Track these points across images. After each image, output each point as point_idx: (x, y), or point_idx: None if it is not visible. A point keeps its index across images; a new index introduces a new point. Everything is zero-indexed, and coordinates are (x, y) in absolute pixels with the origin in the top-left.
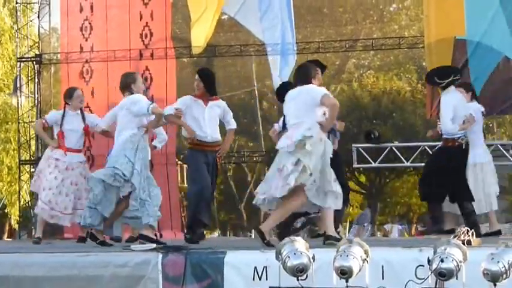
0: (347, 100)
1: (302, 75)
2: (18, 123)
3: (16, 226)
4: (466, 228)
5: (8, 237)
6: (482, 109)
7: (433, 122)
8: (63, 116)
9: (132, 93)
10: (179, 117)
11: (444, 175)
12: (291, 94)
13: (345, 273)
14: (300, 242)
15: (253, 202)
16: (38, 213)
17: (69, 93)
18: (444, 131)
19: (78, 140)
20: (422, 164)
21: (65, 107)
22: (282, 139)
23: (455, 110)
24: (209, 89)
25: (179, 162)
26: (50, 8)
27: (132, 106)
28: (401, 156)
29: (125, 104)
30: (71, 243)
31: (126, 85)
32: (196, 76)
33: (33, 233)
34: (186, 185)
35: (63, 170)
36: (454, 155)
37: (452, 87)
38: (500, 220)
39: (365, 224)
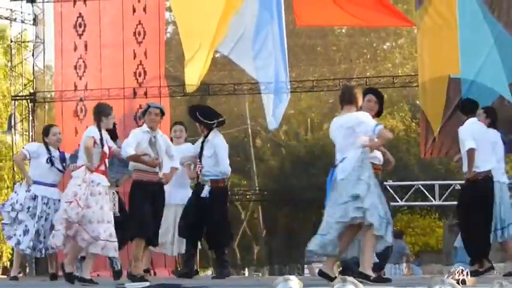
0: None
1: None
2: (13, 161)
3: (8, 263)
4: (461, 267)
5: (1, 274)
6: None
7: (428, 161)
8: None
9: None
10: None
11: None
12: None
13: None
14: (294, 281)
15: None
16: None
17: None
18: None
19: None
20: (416, 203)
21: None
22: None
23: None
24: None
25: None
26: (44, 46)
27: None
28: (395, 195)
29: None
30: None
31: None
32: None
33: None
34: None
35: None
36: None
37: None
38: (495, 259)
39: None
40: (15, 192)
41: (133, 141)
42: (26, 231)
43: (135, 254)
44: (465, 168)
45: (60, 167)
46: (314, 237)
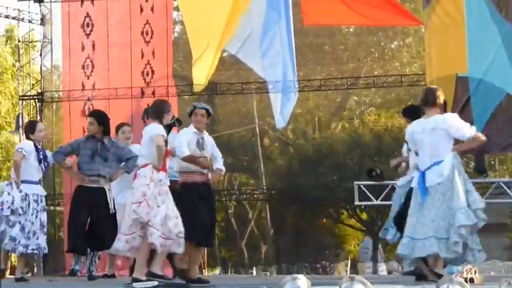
0: (348, 137)
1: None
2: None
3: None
4: (469, 266)
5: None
6: None
7: None
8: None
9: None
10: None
11: None
12: None
13: None
14: (302, 280)
15: None
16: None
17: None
18: None
19: None
20: None
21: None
22: None
23: None
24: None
25: None
26: (52, 46)
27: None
28: None
29: None
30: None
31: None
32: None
33: (36, 270)
34: None
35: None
36: None
37: None
38: (503, 258)
39: None
40: (8, 193)
41: (186, 142)
42: (21, 232)
43: (196, 257)
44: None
45: (44, 165)
46: (408, 241)
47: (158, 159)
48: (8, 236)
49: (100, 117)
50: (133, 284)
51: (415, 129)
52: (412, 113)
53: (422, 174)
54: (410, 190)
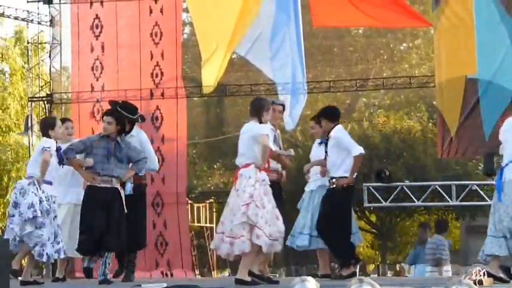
0: (357, 139)
1: None
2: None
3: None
4: (478, 268)
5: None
6: None
7: (444, 162)
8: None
9: None
10: None
11: None
12: None
13: None
14: (310, 282)
15: None
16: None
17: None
18: None
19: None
20: (433, 204)
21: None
22: None
23: None
24: None
25: (190, 201)
26: (61, 47)
27: None
28: (412, 196)
29: None
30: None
31: None
32: None
33: (44, 272)
34: (196, 223)
35: None
36: None
37: None
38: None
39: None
40: (34, 194)
41: (271, 138)
42: (50, 237)
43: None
44: (335, 174)
45: (62, 165)
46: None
47: (262, 159)
48: (35, 238)
49: (119, 118)
50: (142, 285)
51: (506, 127)
52: (328, 114)
53: (501, 170)
54: (326, 194)
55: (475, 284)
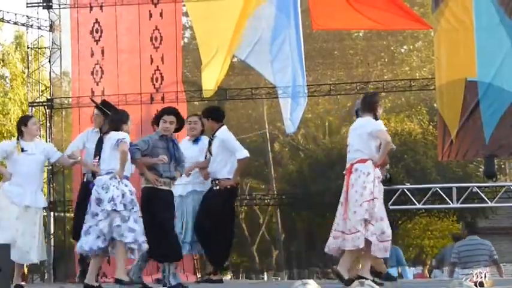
0: None
1: None
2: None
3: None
4: (479, 270)
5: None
6: None
7: (445, 164)
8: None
9: None
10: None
11: None
12: None
13: None
14: (312, 285)
15: None
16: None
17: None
18: None
19: None
20: (434, 206)
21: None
22: None
23: None
24: None
25: None
26: (61, 52)
27: None
28: (413, 198)
29: None
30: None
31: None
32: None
33: (46, 277)
34: None
35: None
36: None
37: None
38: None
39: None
40: (116, 188)
41: None
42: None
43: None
44: (219, 175)
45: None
46: None
47: (382, 155)
48: (126, 232)
49: (180, 119)
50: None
51: None
52: (215, 114)
53: None
54: (208, 195)
55: (476, 286)
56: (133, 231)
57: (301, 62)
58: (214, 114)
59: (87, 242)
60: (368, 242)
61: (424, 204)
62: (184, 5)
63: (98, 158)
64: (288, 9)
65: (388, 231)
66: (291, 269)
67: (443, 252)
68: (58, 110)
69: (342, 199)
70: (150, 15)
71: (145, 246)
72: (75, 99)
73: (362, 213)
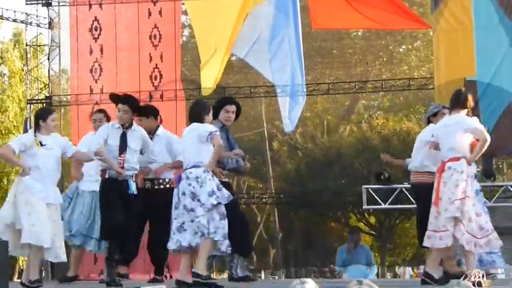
0: (356, 141)
1: None
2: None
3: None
4: (477, 270)
5: (18, 279)
6: None
7: None
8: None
9: None
10: None
11: None
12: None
13: None
14: (310, 284)
15: None
16: None
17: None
18: None
19: None
20: None
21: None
22: None
23: None
24: None
25: None
26: (60, 50)
27: None
28: (411, 198)
29: None
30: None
31: None
32: None
33: (44, 275)
34: None
35: None
36: None
37: None
38: (510, 261)
39: None
40: (212, 181)
41: None
42: None
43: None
44: None
45: None
46: None
47: (477, 154)
48: (221, 230)
49: (239, 108)
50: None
51: None
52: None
53: None
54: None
55: (474, 286)
56: (224, 228)
57: (300, 60)
58: (155, 113)
59: (185, 239)
60: (456, 241)
61: None
62: (183, 3)
63: (123, 154)
64: (287, 8)
65: (487, 225)
66: (289, 268)
67: None
68: (56, 108)
69: (432, 198)
70: (149, 13)
71: (228, 244)
72: (73, 97)
73: (453, 211)
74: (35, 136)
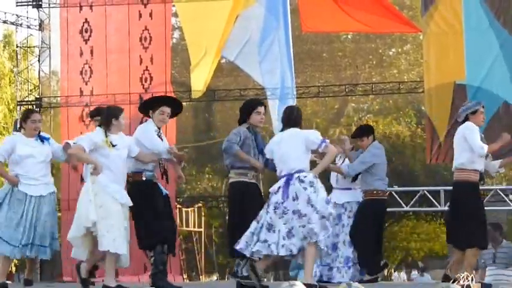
0: None
1: None
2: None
3: (14, 269)
4: (466, 273)
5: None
6: None
7: (433, 167)
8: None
9: None
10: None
11: None
12: None
13: None
14: (299, 286)
15: None
16: None
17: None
18: None
19: None
20: (422, 209)
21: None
22: None
23: None
24: None
25: (178, 205)
26: (50, 51)
27: None
28: (400, 201)
29: None
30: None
31: None
32: None
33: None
34: (185, 228)
35: None
36: None
37: None
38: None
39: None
40: None
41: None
42: None
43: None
44: None
45: None
46: None
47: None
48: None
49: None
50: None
51: None
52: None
53: None
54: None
55: None
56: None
57: (290, 63)
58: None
59: (295, 245)
60: None
61: (411, 206)
62: (173, 6)
63: None
64: (277, 10)
65: None
66: (277, 271)
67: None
68: (46, 109)
69: None
70: (140, 16)
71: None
72: (63, 99)
73: None
74: (107, 137)
